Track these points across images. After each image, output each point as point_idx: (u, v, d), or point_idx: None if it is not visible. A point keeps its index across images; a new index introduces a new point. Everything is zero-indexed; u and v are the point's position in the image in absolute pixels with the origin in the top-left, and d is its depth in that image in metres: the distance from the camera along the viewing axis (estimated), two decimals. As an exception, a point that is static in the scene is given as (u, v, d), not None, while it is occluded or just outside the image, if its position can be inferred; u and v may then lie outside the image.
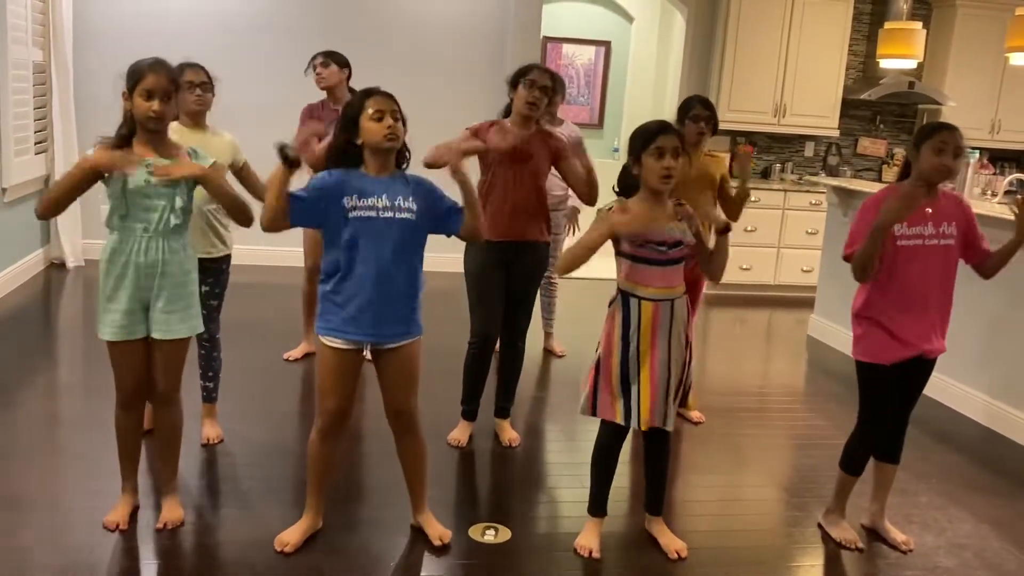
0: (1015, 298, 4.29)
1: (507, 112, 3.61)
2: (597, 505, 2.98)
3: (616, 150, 8.88)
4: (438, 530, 2.91)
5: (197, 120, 3.31)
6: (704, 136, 3.84)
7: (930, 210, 2.87)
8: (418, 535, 2.93)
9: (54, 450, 3.49)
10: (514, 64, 3.84)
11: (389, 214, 2.60)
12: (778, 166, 7.71)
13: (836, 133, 7.49)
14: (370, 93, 2.63)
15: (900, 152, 7.82)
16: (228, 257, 3.43)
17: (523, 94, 3.45)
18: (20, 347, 4.66)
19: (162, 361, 2.76)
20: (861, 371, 3.01)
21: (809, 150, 7.84)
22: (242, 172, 3.40)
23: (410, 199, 2.63)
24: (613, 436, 2.90)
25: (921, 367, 2.97)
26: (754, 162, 7.63)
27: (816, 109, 7.31)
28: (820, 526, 3.21)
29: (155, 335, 2.71)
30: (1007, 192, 6.02)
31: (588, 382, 2.85)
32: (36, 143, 6.02)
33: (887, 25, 6.66)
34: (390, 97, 2.63)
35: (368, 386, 3.42)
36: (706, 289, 4.46)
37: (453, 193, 2.75)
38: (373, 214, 2.58)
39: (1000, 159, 7.91)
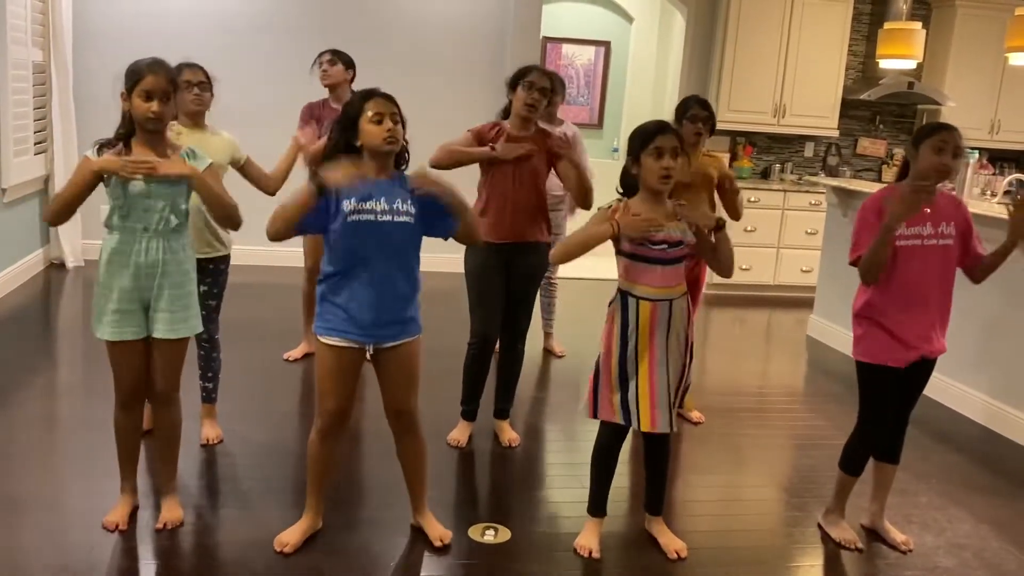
0: (1015, 298, 4.29)
1: (506, 113, 3.60)
2: (597, 505, 2.98)
3: (616, 150, 8.88)
4: (438, 530, 2.91)
5: (196, 120, 3.31)
6: (702, 136, 3.84)
7: (929, 210, 2.87)
8: (418, 535, 2.93)
9: (53, 450, 3.49)
10: (514, 64, 3.84)
11: (388, 218, 2.59)
12: (778, 166, 7.71)
13: (836, 133, 7.49)
14: (370, 95, 2.62)
15: (900, 152, 7.81)
16: (227, 257, 3.43)
17: (522, 96, 3.45)
18: (19, 347, 4.66)
19: (161, 361, 2.76)
20: (861, 371, 3.01)
21: (809, 150, 7.83)
22: (245, 168, 3.42)
23: (408, 202, 2.63)
24: (613, 436, 2.90)
25: (922, 367, 2.97)
26: (754, 163, 7.64)
27: (816, 109, 7.30)
28: (820, 526, 3.21)
29: (155, 335, 2.71)
30: (1006, 192, 6.03)
31: (589, 385, 2.85)
32: (36, 143, 6.02)
33: (887, 25, 6.66)
34: (390, 99, 2.62)
35: (368, 386, 3.42)
36: (706, 289, 4.46)
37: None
38: (372, 218, 2.58)
39: (999, 159, 7.90)
